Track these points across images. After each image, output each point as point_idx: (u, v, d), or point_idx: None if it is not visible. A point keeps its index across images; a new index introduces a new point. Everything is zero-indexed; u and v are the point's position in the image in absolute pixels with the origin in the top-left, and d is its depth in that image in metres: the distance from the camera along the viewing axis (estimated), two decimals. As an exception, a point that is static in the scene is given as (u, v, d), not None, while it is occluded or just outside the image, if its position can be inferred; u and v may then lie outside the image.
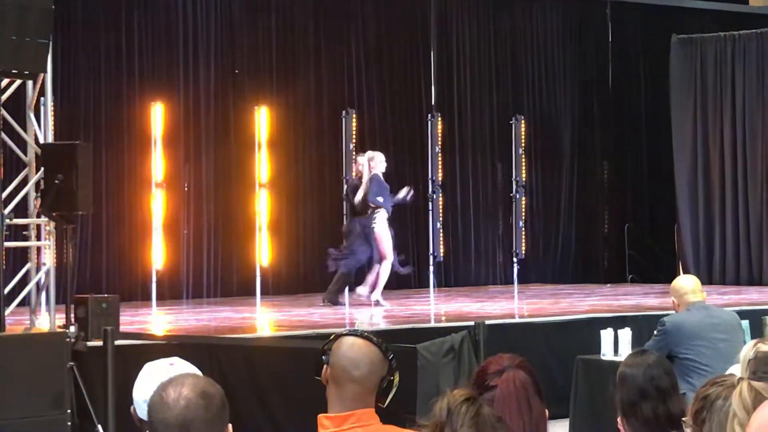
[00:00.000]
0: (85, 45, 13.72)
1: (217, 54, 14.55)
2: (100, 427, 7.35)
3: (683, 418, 3.76)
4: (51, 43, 8.62)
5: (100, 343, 7.60)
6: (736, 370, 4.54)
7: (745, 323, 7.36)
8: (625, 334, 7.76)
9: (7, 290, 8.44)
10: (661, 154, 16.43)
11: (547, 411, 2.88)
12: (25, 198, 9.12)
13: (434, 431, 2.17)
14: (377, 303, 12.31)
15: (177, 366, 3.12)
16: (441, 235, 15.55)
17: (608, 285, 15.85)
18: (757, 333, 7.37)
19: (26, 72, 8.67)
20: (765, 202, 15.34)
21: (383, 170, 12.58)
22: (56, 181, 8.51)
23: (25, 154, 9.20)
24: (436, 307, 13.27)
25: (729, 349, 6.38)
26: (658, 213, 16.93)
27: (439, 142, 15.66)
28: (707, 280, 14.84)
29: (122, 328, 8.60)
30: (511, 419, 2.78)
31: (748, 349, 4.35)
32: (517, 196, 16.02)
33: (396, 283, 15.38)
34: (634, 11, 17.03)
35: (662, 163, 16.33)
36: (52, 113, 9.76)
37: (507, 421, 2.76)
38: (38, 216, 9.04)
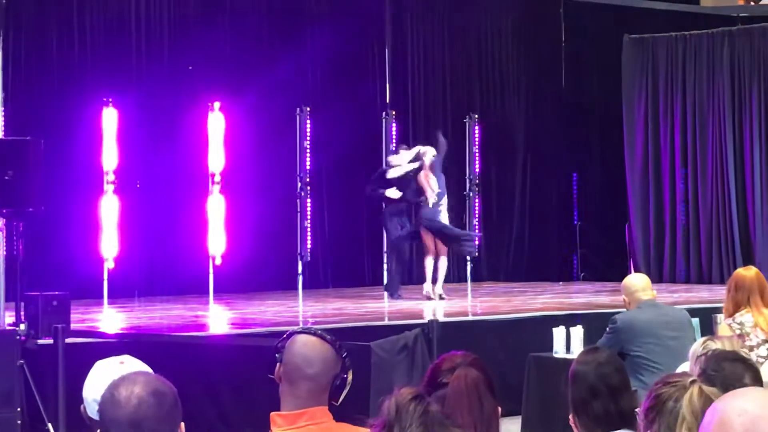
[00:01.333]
0: (36, 40, 13.59)
1: (170, 50, 14.46)
2: (50, 425, 7.29)
3: (636, 409, 3.79)
4: (1, 39, 8.53)
5: (50, 341, 7.54)
6: (686, 367, 4.58)
7: (695, 321, 7.43)
8: (577, 332, 7.81)
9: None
10: (612, 153, 16.54)
11: (499, 408, 2.89)
12: (-25, 195, 9.01)
13: (383, 430, 2.17)
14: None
15: (127, 364, 3.09)
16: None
17: (560, 283, 15.94)
18: (707, 331, 7.43)
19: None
20: (715, 200, 15.50)
21: (429, 163, 12.84)
22: (6, 178, 8.43)
23: (-25, 150, 9.10)
24: (390, 304, 13.28)
25: (679, 347, 6.43)
26: (609, 211, 17.05)
27: (394, 141, 15.66)
28: (658, 278, 14.98)
29: (73, 326, 8.54)
30: (462, 416, 2.79)
31: (697, 346, 4.39)
32: (471, 195, 16.08)
33: (350, 281, 15.43)
34: (587, 11, 17.12)
35: (614, 161, 16.45)
36: (3, 109, 9.67)
37: (458, 418, 2.78)
38: (-12, 213, 8.95)
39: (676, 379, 2.68)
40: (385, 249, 15.42)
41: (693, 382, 2.42)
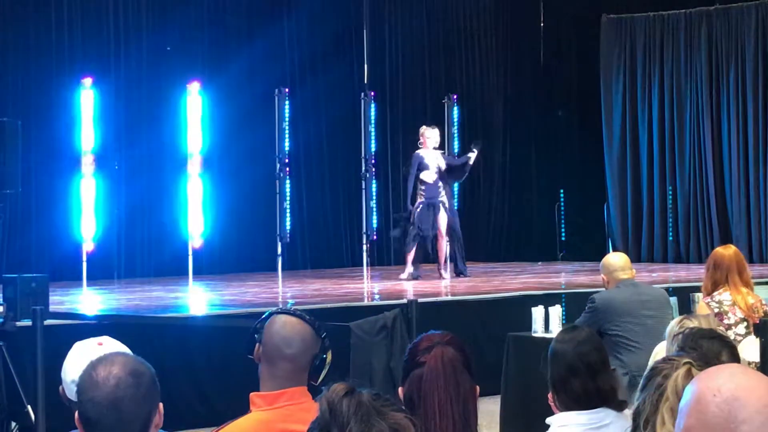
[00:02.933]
0: (13, 20, 13.49)
1: (148, 30, 14.39)
2: (29, 407, 7.27)
3: (614, 387, 3.80)
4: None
5: (29, 323, 7.50)
6: (664, 346, 4.60)
7: (674, 300, 7.47)
8: (556, 311, 7.83)
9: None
10: (591, 133, 16.57)
11: (477, 387, 2.89)
12: (-48, 176, 8.96)
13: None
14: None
15: (106, 345, 3.09)
16: (374, 213, 15.56)
17: (539, 263, 15.97)
18: (685, 310, 7.47)
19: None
20: (692, 179, 15.56)
21: (433, 146, 12.86)
22: (-17, 159, 8.38)
23: (-49, 131, 9.05)
24: (369, 285, 13.29)
25: (658, 326, 6.46)
26: (588, 191, 17.09)
27: (372, 121, 15.65)
28: (636, 257, 15.04)
29: (52, 308, 8.50)
30: (438, 395, 2.80)
31: (674, 324, 4.42)
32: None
33: (329, 262, 15.44)
34: (566, -9, 17.11)
35: (592, 141, 16.48)
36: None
37: (435, 396, 2.78)
38: (-35, 194, 8.90)
39: (675, 357, 2.70)
40: (365, 230, 15.44)
41: (686, 363, 2.42)
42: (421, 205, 12.76)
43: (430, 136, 12.89)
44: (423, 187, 12.76)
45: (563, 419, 3.74)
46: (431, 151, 12.84)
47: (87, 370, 2.58)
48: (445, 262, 13.24)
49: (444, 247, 12.99)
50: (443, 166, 12.85)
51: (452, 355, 2.85)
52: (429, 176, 12.71)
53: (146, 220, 14.30)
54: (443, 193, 12.82)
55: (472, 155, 13.15)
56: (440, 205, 12.76)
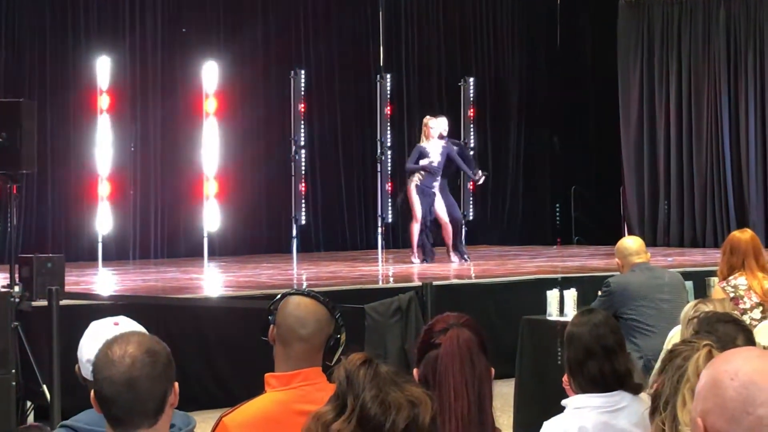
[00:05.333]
0: (29, 1, 13.51)
1: (164, 10, 14.38)
2: (45, 386, 7.30)
3: (630, 369, 3.80)
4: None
5: (44, 303, 7.53)
6: (679, 330, 4.60)
7: (689, 284, 7.45)
8: (571, 295, 7.82)
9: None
10: (608, 116, 16.52)
11: (492, 369, 2.89)
12: (-32, 156, 8.97)
13: (337, 401, 2.16)
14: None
15: (122, 325, 3.09)
16: (389, 198, 15.55)
17: (555, 246, 15.95)
18: (700, 294, 7.45)
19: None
20: (709, 165, 15.50)
21: (438, 134, 12.76)
22: (0, 140, 8.40)
23: (-32, 111, 9.05)
24: (384, 268, 13.29)
25: (673, 310, 6.45)
26: (604, 175, 17.05)
27: (388, 103, 15.63)
28: (652, 241, 14.99)
29: (67, 288, 8.54)
30: (454, 376, 2.80)
31: (689, 308, 4.41)
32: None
33: (344, 245, 15.44)
34: (583, -26, 17.05)
35: (609, 125, 16.43)
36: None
37: (450, 378, 2.78)
38: (-19, 175, 8.91)
39: (694, 339, 2.69)
40: (380, 213, 15.45)
41: (706, 345, 2.42)
42: (415, 189, 12.69)
43: (434, 125, 12.76)
44: (422, 174, 12.70)
45: (579, 401, 3.74)
46: (434, 141, 12.72)
47: (103, 349, 2.58)
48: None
49: (450, 231, 12.94)
50: (445, 157, 12.70)
51: (468, 336, 2.85)
52: (429, 164, 12.66)
53: (162, 202, 14.31)
54: (438, 182, 12.71)
55: (481, 178, 13.09)
56: (435, 192, 12.68)
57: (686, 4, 15.74)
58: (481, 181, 13.35)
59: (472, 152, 15.49)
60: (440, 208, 12.78)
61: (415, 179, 12.73)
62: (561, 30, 17.37)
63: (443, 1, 16.49)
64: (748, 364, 1.78)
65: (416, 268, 12.38)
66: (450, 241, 12.99)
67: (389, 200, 15.52)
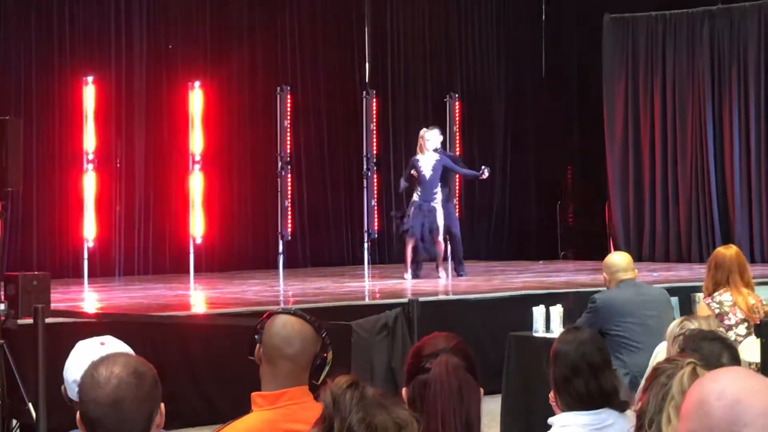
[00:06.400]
0: (15, 18, 13.49)
1: (150, 28, 14.38)
2: (30, 405, 7.27)
3: (616, 387, 3.80)
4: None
5: (30, 320, 7.51)
6: (665, 347, 4.60)
7: (675, 300, 7.46)
8: (557, 311, 7.83)
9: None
10: (592, 132, 16.57)
11: (481, 390, 2.89)
12: (-47, 174, 8.95)
13: (324, 423, 2.16)
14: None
15: (108, 345, 3.09)
16: (375, 211, 15.56)
17: (541, 262, 15.98)
18: (686, 309, 7.47)
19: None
20: (694, 179, 15.55)
21: (434, 147, 12.79)
22: (-15, 157, 8.37)
23: (-47, 129, 9.03)
24: (371, 283, 13.29)
25: (659, 326, 6.46)
26: (589, 190, 17.08)
27: (374, 120, 15.65)
28: (637, 256, 15.00)
29: (53, 306, 8.50)
30: (443, 403, 2.80)
31: (675, 326, 4.42)
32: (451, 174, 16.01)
33: (331, 260, 15.43)
34: (568, -10, 17.11)
35: (594, 140, 16.47)
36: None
37: (438, 404, 2.79)
38: (-34, 192, 8.89)
39: (678, 357, 2.71)
40: (366, 228, 15.44)
41: (690, 362, 2.43)
42: (413, 206, 12.74)
43: (429, 138, 12.80)
44: (419, 188, 12.74)
45: (565, 419, 3.74)
46: (429, 155, 12.75)
47: (88, 370, 2.58)
48: (444, 260, 13.23)
49: (441, 247, 12.97)
50: (439, 170, 12.73)
51: (457, 363, 2.85)
52: (424, 178, 12.68)
53: (148, 218, 14.29)
54: (439, 195, 12.74)
55: (485, 174, 13.10)
56: (435, 207, 12.71)
57: (670, 20, 15.81)
58: (486, 175, 13.23)
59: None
60: (439, 222, 12.78)
61: (414, 195, 12.79)
62: (546, 45, 17.42)
63: (429, 19, 16.53)
64: (734, 384, 1.79)
65: (404, 284, 12.37)
66: (440, 256, 12.98)
67: (375, 216, 15.52)
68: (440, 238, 12.84)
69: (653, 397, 2.52)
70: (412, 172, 12.76)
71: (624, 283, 7.05)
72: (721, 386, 1.78)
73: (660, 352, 5.17)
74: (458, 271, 13.12)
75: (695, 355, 2.81)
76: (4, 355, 7.61)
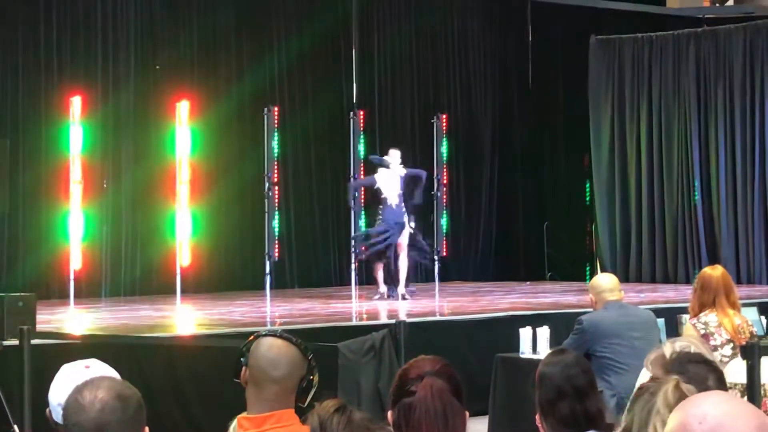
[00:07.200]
0: (1, 39, 13.49)
1: (137, 49, 14.40)
2: (16, 427, 7.24)
3: (602, 410, 3.81)
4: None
5: (16, 342, 7.48)
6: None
7: (661, 321, 7.47)
8: (544, 332, 7.83)
9: None
10: (579, 153, 16.62)
11: (467, 413, 2.89)
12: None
13: None
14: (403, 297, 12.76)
15: (93, 368, 3.08)
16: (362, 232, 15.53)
17: (527, 283, 15.98)
18: (672, 331, 7.48)
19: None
20: (680, 200, 15.60)
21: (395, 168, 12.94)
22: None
23: (-61, 150, 9.03)
24: (358, 305, 13.28)
25: (645, 347, 6.43)
26: (576, 211, 17.12)
27: (361, 140, 15.67)
28: (624, 278, 15.05)
29: (39, 327, 8.48)
30: (428, 425, 2.80)
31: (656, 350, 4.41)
32: (438, 195, 16.05)
33: (318, 281, 15.42)
34: (554, 11, 17.19)
35: (580, 161, 16.52)
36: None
37: (424, 427, 2.79)
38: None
39: (660, 377, 2.71)
40: (354, 249, 15.43)
41: (674, 379, 2.44)
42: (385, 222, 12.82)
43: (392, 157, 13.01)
44: (381, 209, 12.83)
45: (551, 442, 3.74)
46: (389, 172, 12.87)
47: (73, 393, 2.57)
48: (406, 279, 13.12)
49: (404, 266, 12.91)
50: (400, 187, 12.81)
51: (441, 386, 2.85)
52: (389, 199, 12.76)
53: (134, 239, 14.27)
54: (405, 213, 12.79)
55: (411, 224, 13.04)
56: (404, 223, 12.75)
57: (656, 42, 15.89)
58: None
59: (444, 188, 15.62)
60: (404, 240, 12.79)
61: (377, 220, 12.88)
62: (532, 67, 17.48)
63: (416, 38, 16.58)
64: (717, 407, 1.79)
65: (389, 305, 12.36)
66: (402, 275, 12.89)
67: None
68: (402, 256, 12.84)
69: (638, 413, 2.52)
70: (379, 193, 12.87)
71: (610, 304, 7.05)
72: (704, 411, 1.79)
73: (646, 374, 5.18)
74: (404, 295, 13.00)
75: (681, 378, 2.82)
76: (-11, 376, 7.58)
